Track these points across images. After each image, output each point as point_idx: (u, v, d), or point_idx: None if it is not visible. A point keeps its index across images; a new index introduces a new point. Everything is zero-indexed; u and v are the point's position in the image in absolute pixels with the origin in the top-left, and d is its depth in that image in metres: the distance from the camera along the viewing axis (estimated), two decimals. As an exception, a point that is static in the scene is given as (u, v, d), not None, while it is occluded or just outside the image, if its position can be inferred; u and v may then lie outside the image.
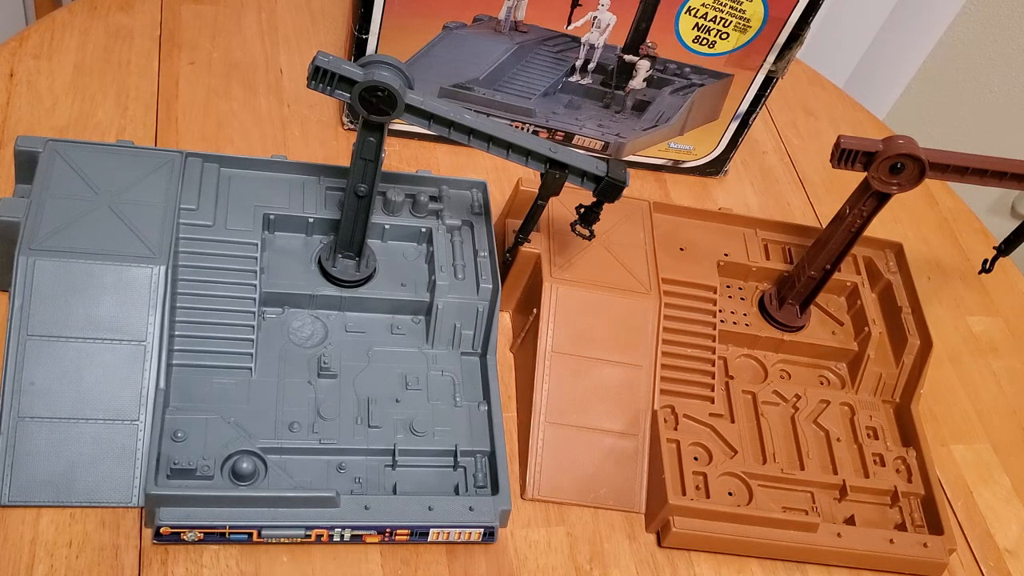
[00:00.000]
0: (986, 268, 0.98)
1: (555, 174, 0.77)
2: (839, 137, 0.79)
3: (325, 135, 1.02)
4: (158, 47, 1.04)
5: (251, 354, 0.79)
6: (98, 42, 1.02)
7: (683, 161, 1.09)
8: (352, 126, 1.03)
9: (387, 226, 0.86)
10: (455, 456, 0.78)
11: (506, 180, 1.02)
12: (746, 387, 0.90)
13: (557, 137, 1.04)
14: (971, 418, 0.97)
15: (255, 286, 0.80)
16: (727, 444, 0.85)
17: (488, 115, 0.93)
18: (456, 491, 0.77)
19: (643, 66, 0.99)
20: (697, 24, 0.95)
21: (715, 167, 1.11)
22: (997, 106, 1.64)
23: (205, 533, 0.70)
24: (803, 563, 0.82)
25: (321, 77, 0.70)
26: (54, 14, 1.03)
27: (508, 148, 0.76)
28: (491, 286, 0.84)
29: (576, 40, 0.96)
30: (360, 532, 0.72)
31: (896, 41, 1.62)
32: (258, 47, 1.07)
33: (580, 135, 1.04)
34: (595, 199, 0.79)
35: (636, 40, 0.96)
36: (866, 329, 0.94)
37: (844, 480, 0.85)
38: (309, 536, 0.72)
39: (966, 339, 1.05)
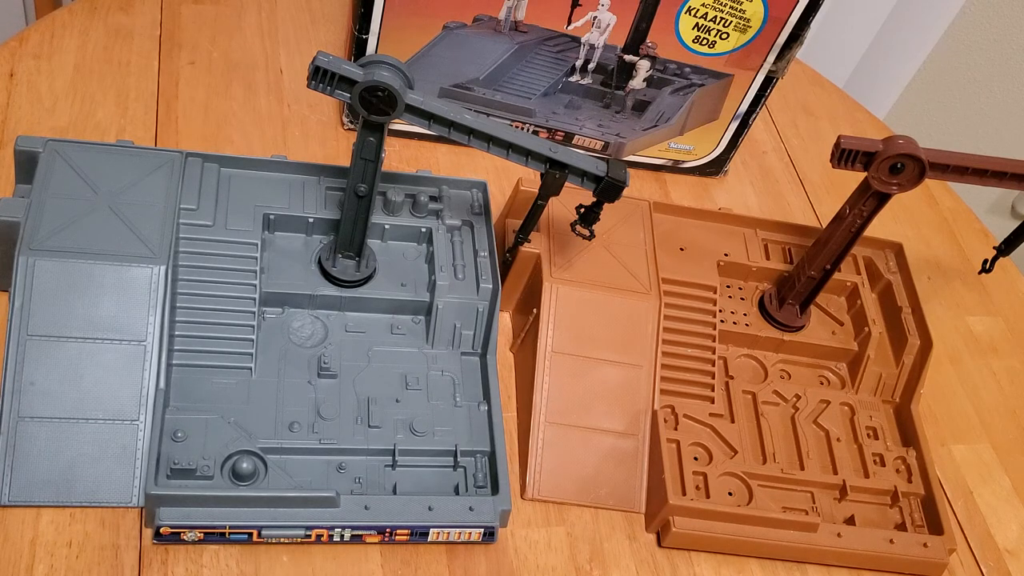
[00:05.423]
0: (986, 268, 0.98)
1: (555, 174, 0.77)
2: (839, 137, 0.78)
3: (325, 135, 1.02)
4: (158, 47, 1.04)
5: (251, 354, 0.79)
6: (98, 42, 1.02)
7: (683, 161, 1.09)
8: (352, 126, 1.03)
9: (387, 226, 0.86)
10: (455, 456, 0.78)
11: (506, 180, 1.02)
12: (746, 387, 0.90)
13: (557, 137, 1.04)
14: (971, 418, 0.97)
15: (255, 286, 0.80)
16: (727, 444, 0.85)
17: (488, 115, 0.93)
18: (456, 491, 0.77)
19: (643, 66, 0.99)
20: (697, 24, 0.95)
21: (715, 167, 1.11)
22: (997, 106, 1.64)
23: (205, 533, 0.70)
24: (803, 563, 0.82)
25: (321, 77, 0.70)
26: (54, 14, 1.03)
27: (508, 148, 0.76)
28: (491, 286, 0.84)
29: (576, 40, 0.96)
30: (360, 532, 0.72)
31: (896, 41, 1.62)
32: (258, 47, 1.07)
33: (580, 135, 1.04)
34: (595, 199, 0.79)
35: (636, 40, 0.96)
36: (866, 329, 0.94)
37: (844, 480, 0.85)
38: (309, 536, 0.72)
39: (966, 339, 1.05)
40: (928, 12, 1.58)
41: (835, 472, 0.86)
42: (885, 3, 1.59)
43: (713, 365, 0.89)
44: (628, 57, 0.98)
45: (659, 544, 0.80)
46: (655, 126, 1.04)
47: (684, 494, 0.81)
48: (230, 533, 0.70)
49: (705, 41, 0.97)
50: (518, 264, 0.87)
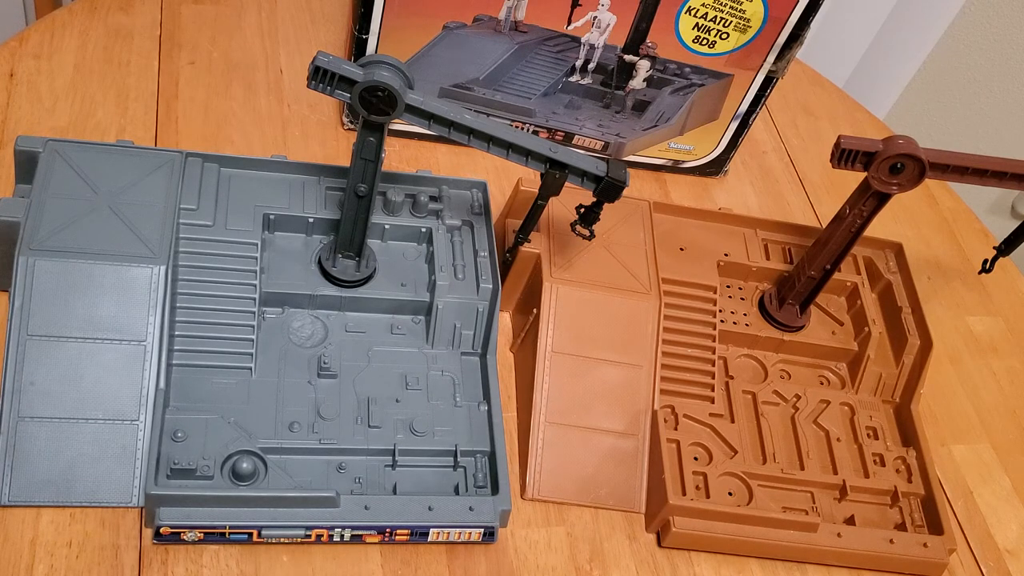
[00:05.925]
0: (986, 268, 0.98)
1: (555, 174, 0.77)
2: (839, 137, 0.79)
3: (325, 135, 1.02)
4: (158, 47, 1.04)
5: (251, 354, 0.79)
6: (98, 42, 1.02)
7: (683, 161, 1.09)
8: (352, 126, 1.03)
9: (387, 226, 0.86)
10: (455, 456, 0.78)
11: (506, 180, 1.02)
12: (746, 387, 0.90)
13: (557, 137, 1.04)
14: (971, 418, 0.97)
15: (255, 286, 0.80)
16: (727, 444, 0.85)
17: (488, 115, 0.93)
18: (456, 491, 0.77)
19: (643, 66, 0.99)
20: (697, 24, 0.95)
21: (715, 167, 1.11)
22: (997, 106, 1.64)
23: (205, 533, 0.70)
24: (803, 563, 0.82)
25: (321, 77, 0.70)
26: (54, 14, 1.03)
27: (508, 148, 0.76)
28: (491, 286, 0.84)
29: (576, 40, 0.96)
30: (360, 532, 0.72)
31: (896, 41, 1.62)
32: (258, 47, 1.07)
33: (580, 135, 1.04)
34: (595, 199, 0.79)
35: (636, 40, 0.96)
36: (866, 329, 0.94)
37: (844, 480, 0.85)
38: (309, 536, 0.72)
39: (966, 339, 1.05)
40: (928, 12, 1.58)
41: (835, 472, 0.86)
42: (885, 3, 1.59)
43: (713, 365, 0.89)
44: (628, 57, 0.98)
45: (659, 544, 0.80)
46: (655, 126, 1.04)
47: (684, 494, 0.81)
48: (230, 533, 0.70)
49: (705, 41, 0.97)
50: (518, 264, 0.87)
